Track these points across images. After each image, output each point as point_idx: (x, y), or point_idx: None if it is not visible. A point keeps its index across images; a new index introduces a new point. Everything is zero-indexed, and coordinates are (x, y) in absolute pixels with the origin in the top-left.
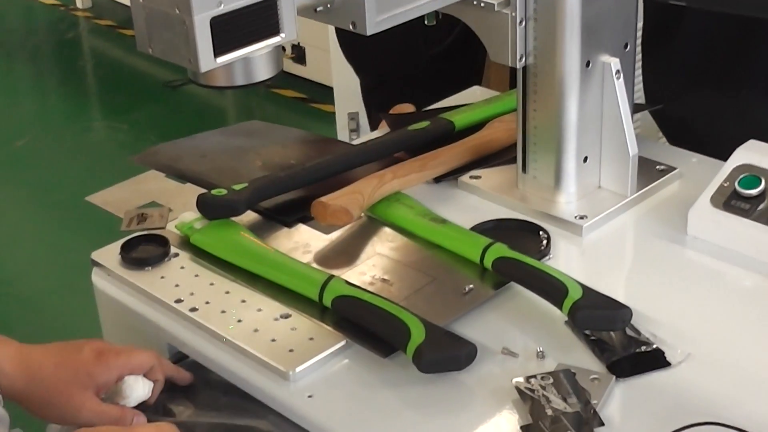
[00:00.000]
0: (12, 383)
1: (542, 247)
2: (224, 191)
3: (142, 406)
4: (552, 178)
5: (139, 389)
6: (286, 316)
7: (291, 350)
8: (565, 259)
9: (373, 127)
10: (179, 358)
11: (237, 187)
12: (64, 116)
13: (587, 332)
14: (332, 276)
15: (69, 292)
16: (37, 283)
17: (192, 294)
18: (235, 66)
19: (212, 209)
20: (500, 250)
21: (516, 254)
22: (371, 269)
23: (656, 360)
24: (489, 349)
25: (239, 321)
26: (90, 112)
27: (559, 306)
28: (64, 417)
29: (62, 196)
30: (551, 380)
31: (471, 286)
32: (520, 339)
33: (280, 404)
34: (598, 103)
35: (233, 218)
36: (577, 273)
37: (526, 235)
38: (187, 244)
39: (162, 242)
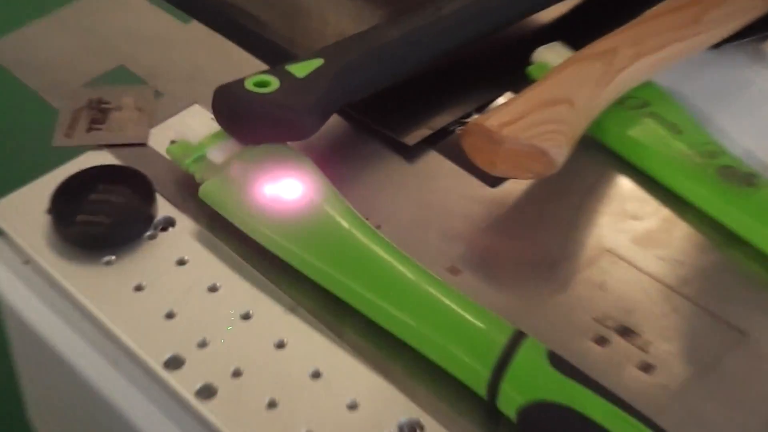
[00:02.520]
0: None
1: None
2: (271, 80)
3: None
4: None
5: None
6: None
7: None
8: None
9: None
10: None
11: (297, 69)
12: None
13: None
14: (521, 334)
15: None
16: None
17: (204, 345)
18: None
19: (246, 125)
20: None
21: None
22: (597, 297)
23: None
24: None
25: None
26: None
27: None
28: None
29: None
30: None
31: None
32: None
33: None
34: None
35: (290, 143)
36: None
37: None
38: (191, 192)
39: (141, 187)
